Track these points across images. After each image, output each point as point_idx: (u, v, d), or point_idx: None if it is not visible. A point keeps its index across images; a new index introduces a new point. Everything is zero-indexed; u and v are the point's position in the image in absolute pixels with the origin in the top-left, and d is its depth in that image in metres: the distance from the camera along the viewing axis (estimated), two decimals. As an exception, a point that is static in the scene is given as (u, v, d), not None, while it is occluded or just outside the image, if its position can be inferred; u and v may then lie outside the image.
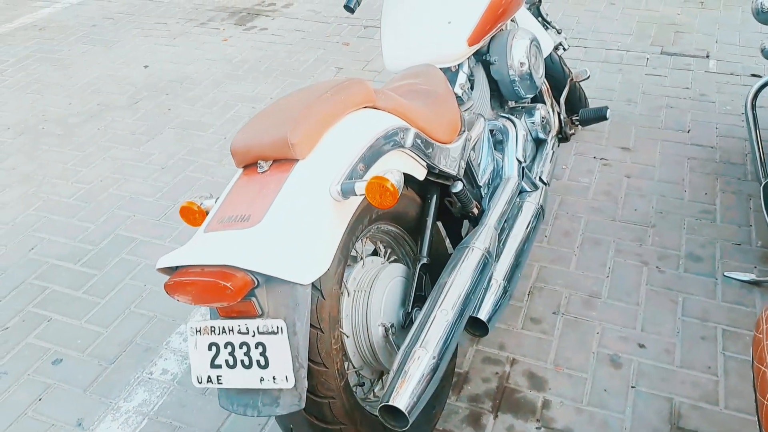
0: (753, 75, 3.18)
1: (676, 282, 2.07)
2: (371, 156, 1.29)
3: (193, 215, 1.33)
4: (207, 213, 1.35)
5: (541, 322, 1.96)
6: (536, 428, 1.66)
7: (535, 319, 1.97)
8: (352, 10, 2.02)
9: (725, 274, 2.06)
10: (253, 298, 1.12)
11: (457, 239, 1.83)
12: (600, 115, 2.26)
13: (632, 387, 1.74)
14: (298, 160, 1.22)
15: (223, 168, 2.82)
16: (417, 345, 1.29)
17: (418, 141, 1.45)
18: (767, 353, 1.04)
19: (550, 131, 2.18)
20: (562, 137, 2.29)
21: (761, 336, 1.10)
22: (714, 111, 2.94)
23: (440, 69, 1.85)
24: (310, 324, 1.16)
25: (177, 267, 1.12)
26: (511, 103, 2.15)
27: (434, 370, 1.28)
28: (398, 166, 1.41)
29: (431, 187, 1.62)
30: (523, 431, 1.65)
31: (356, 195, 1.20)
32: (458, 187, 1.62)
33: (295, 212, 1.15)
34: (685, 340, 1.86)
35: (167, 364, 1.87)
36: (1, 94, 3.57)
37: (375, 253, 1.57)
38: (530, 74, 2.00)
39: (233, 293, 1.06)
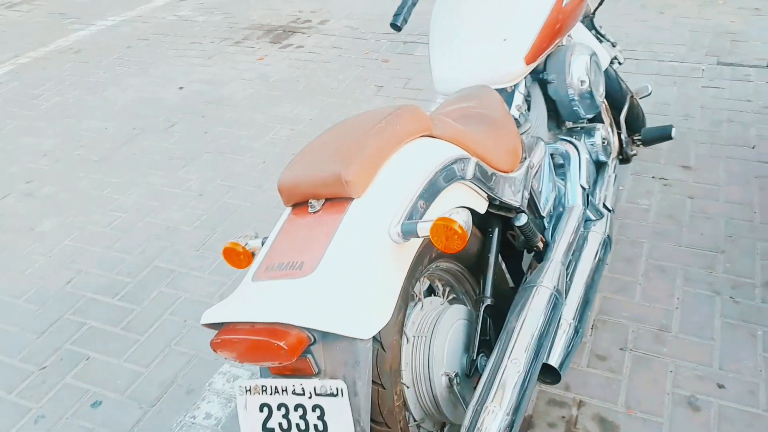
0: (820, 84, 2.97)
1: (753, 313, 1.89)
2: (431, 191, 1.18)
3: (237, 257, 1.24)
4: (252, 254, 1.25)
5: (608, 359, 1.80)
6: (610, 482, 1.51)
7: (600, 356, 1.81)
8: (399, 28, 1.91)
9: (810, 305, 1.88)
10: (309, 356, 1.01)
11: (518, 274, 1.70)
12: (665, 135, 2.11)
13: (714, 434, 1.58)
14: (353, 199, 1.11)
15: (264, 194, 2.74)
16: (489, 400, 1.16)
17: (479, 171, 1.33)
18: None
19: (611, 153, 2.03)
20: (623, 158, 2.14)
21: None
22: (780, 124, 2.76)
23: (496, 90, 1.73)
24: (371, 380, 1.05)
25: (224, 322, 1.02)
26: (569, 124, 2.02)
27: (510, 427, 1.15)
28: (460, 200, 1.29)
29: (493, 220, 1.49)
30: (596, 485, 1.51)
31: (418, 237, 1.08)
32: (522, 219, 1.49)
33: (352, 258, 1.04)
34: (770, 380, 1.69)
35: (210, 408, 1.77)
36: (38, 120, 3.57)
37: (432, 291, 1.45)
38: (591, 92, 1.87)
39: (288, 353, 0.95)
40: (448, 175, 1.24)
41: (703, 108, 2.95)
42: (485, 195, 1.38)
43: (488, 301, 1.38)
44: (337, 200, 1.12)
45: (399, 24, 1.90)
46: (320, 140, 1.23)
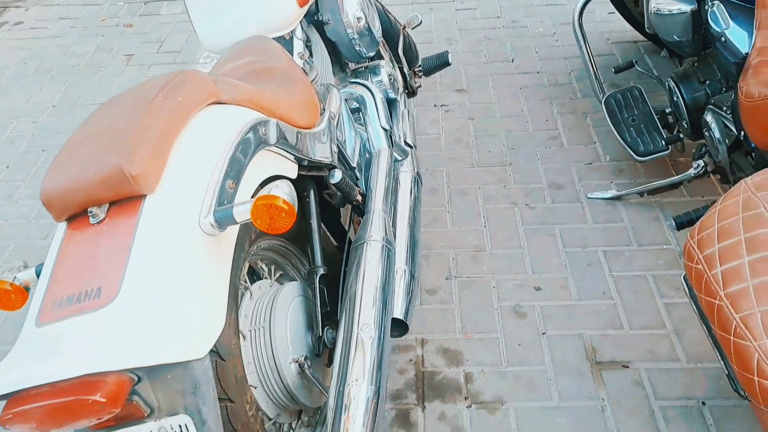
0: (552, -5, 3.27)
1: (548, 215, 2.06)
2: (237, 167, 1.02)
3: (6, 297, 0.97)
4: (26, 290, 0.99)
5: (438, 291, 1.84)
6: (467, 407, 1.55)
7: (431, 290, 1.84)
8: None
9: (588, 195, 2.09)
10: (136, 397, 0.82)
11: (338, 232, 1.61)
12: (443, 62, 2.14)
13: (543, 334, 1.70)
14: (145, 196, 0.91)
15: (17, 206, 2.29)
16: (350, 375, 1.08)
17: (282, 133, 1.19)
18: (716, 283, 0.99)
19: (398, 88, 2.01)
20: (410, 92, 2.14)
21: (700, 267, 1.04)
22: (528, 36, 2.99)
23: (273, 39, 1.58)
24: (218, 399, 0.90)
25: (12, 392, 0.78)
26: (353, 65, 1.94)
27: (377, 398, 1.08)
28: (270, 170, 1.15)
29: (306, 183, 1.37)
30: (455, 415, 1.54)
31: (237, 223, 0.93)
32: (337, 176, 1.39)
33: (161, 268, 0.86)
34: (574, 271, 1.85)
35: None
36: None
37: (257, 275, 1.31)
38: (369, 28, 1.80)
39: (108, 404, 0.76)
40: (250, 144, 1.08)
41: (462, 30, 3.09)
42: (293, 158, 1.26)
43: (321, 271, 1.28)
44: (124, 202, 0.91)
45: None
46: (86, 129, 0.99)
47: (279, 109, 1.24)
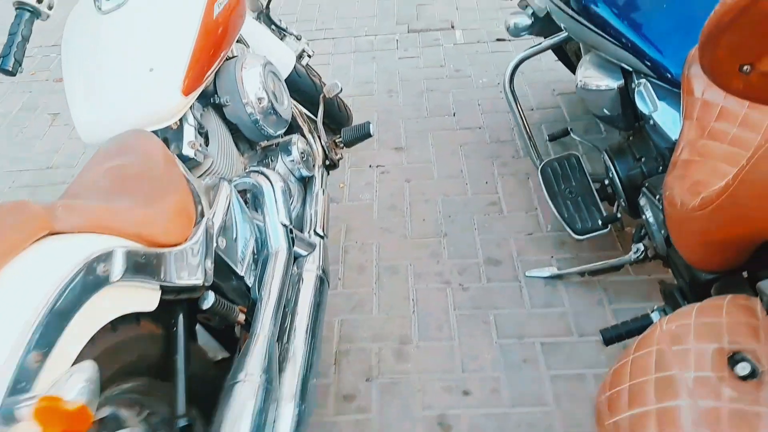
0: (498, 40, 3.15)
1: (482, 297, 1.89)
2: (53, 327, 0.83)
3: None
4: None
5: (356, 397, 1.66)
6: None
7: (348, 396, 1.66)
8: (12, 73, 1.46)
9: (527, 274, 1.93)
10: None
11: (231, 341, 1.43)
12: (364, 134, 1.98)
13: (470, 447, 1.53)
14: None
15: None
16: None
17: (133, 260, 1.00)
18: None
19: (314, 163, 1.85)
20: (330, 164, 1.97)
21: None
22: (472, 86, 2.85)
23: (156, 131, 1.42)
24: None
25: None
26: (263, 142, 1.77)
27: None
28: (116, 309, 0.97)
29: (173, 309, 1.18)
30: None
31: (23, 422, 0.74)
32: (209, 300, 1.20)
33: None
34: (508, 369, 1.68)
35: None
36: None
37: (120, 423, 1.11)
38: (273, 108, 1.64)
39: None
40: (82, 286, 0.89)
41: (404, 81, 2.94)
42: (153, 285, 1.07)
43: (183, 422, 1.09)
44: None
45: (10, 68, 1.46)
46: None
47: (136, 228, 1.06)
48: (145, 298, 1.06)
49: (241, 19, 1.71)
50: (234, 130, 1.70)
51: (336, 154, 2.00)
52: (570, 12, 1.68)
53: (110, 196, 1.18)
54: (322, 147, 1.95)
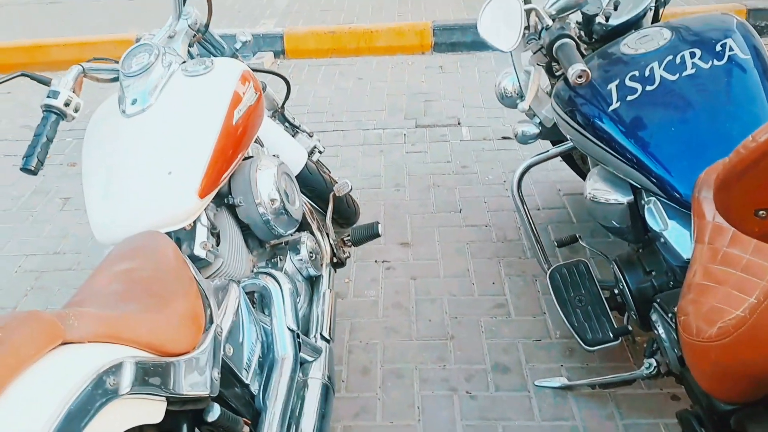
0: (504, 138, 3.22)
1: (490, 407, 1.83)
2: None
3: None
4: None
5: None
6: None
7: None
8: (34, 173, 1.49)
9: (536, 383, 1.88)
10: None
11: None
12: (372, 233, 1.99)
13: None
14: None
15: None
16: None
17: (142, 372, 0.98)
18: None
19: (322, 262, 1.84)
20: (338, 262, 1.97)
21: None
22: (478, 183, 2.89)
23: (169, 233, 1.42)
24: None
25: None
26: (273, 241, 1.77)
27: None
28: (123, 423, 0.93)
29: (177, 419, 1.14)
30: None
31: None
32: (214, 413, 1.17)
33: None
34: (517, 486, 1.61)
35: None
36: None
37: None
38: (285, 209, 1.65)
39: None
40: (89, 401, 0.86)
41: (411, 175, 2.98)
42: (160, 397, 1.04)
43: None
44: None
45: (33, 167, 1.49)
46: None
47: (146, 337, 1.04)
48: (152, 410, 1.02)
49: (259, 121, 1.75)
50: (245, 228, 1.71)
51: (344, 253, 2.00)
52: (576, 126, 1.72)
53: (121, 302, 1.17)
54: (330, 245, 1.95)
